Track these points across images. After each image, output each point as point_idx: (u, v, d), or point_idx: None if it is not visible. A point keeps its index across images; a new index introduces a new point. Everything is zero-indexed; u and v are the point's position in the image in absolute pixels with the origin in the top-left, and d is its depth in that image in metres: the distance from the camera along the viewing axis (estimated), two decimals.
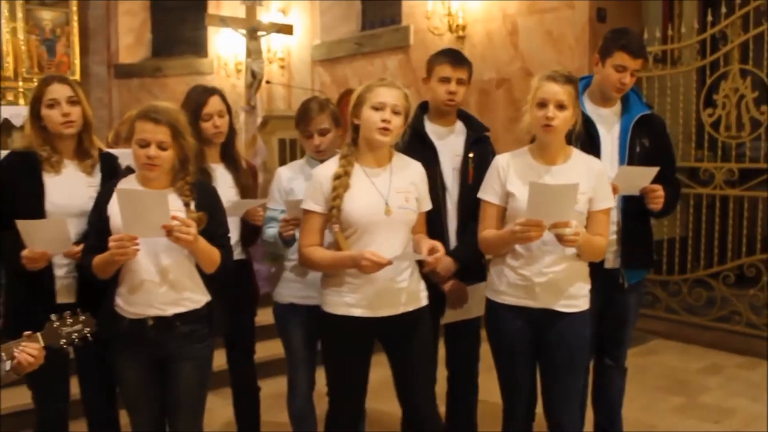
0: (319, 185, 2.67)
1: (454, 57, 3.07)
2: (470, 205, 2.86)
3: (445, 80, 3.02)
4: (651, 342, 5.56)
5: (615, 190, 2.88)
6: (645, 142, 3.06)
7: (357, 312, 2.64)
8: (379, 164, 2.69)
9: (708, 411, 4.23)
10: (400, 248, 2.63)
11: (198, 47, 10.35)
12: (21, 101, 9.23)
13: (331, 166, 2.69)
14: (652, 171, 2.94)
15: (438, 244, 2.59)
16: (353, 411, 2.86)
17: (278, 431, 3.66)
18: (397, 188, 2.65)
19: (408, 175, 2.70)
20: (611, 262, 3.05)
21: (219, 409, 3.82)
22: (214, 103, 3.05)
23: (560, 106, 2.58)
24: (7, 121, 8.74)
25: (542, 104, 2.60)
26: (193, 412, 2.69)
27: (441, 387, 3.14)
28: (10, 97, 9.19)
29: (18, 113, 8.80)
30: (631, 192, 2.96)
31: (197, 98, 3.07)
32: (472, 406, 3.28)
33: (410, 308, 2.69)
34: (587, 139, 2.94)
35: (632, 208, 3.02)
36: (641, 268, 3.23)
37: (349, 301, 2.65)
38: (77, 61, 9.84)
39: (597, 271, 2.83)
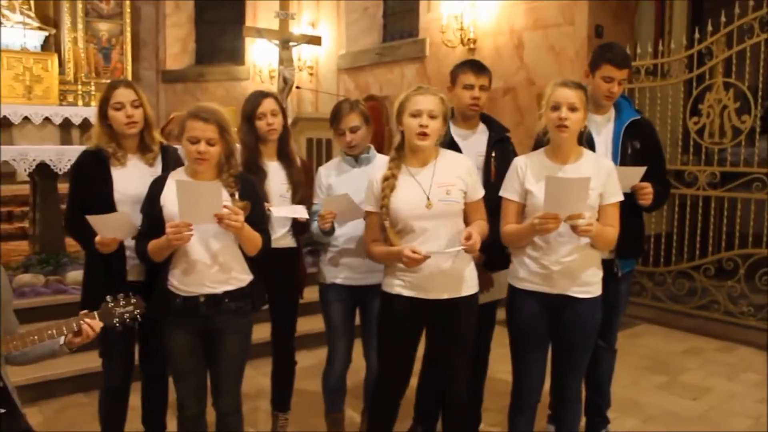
0: (371, 188, 2.71)
1: (476, 66, 3.07)
2: (494, 200, 2.86)
3: (469, 87, 3.02)
4: (637, 327, 5.54)
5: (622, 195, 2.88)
6: (636, 144, 3.06)
7: (406, 293, 2.67)
8: (422, 164, 2.69)
9: (688, 389, 4.22)
10: (447, 238, 2.63)
11: (236, 56, 10.39)
12: (80, 102, 9.34)
13: (383, 170, 2.71)
14: (640, 170, 2.95)
15: (473, 231, 2.56)
16: (399, 383, 2.84)
17: (306, 399, 3.71)
18: (439, 183, 2.65)
19: (452, 169, 2.68)
20: (607, 253, 3.05)
21: (254, 377, 3.86)
22: (267, 104, 3.08)
23: (572, 109, 2.59)
24: (67, 120, 8.87)
25: (556, 107, 2.60)
26: (234, 380, 2.72)
27: None
28: (70, 98, 9.30)
29: (76, 113, 8.96)
30: (623, 190, 2.96)
31: (254, 101, 3.09)
32: (480, 380, 3.28)
33: (456, 294, 2.68)
34: (585, 144, 2.94)
35: (624, 204, 3.01)
36: (632, 257, 3.23)
37: (400, 283, 2.68)
38: (129, 67, 9.93)
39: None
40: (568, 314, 2.69)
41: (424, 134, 2.59)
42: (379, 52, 8.45)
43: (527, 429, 2.88)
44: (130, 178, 2.80)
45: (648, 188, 2.98)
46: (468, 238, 2.54)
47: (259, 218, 2.66)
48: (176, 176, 2.62)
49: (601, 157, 2.79)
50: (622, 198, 2.74)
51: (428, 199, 2.63)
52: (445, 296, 2.67)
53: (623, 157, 3.05)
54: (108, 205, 2.74)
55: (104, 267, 2.77)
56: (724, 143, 5.37)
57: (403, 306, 2.69)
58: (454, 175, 2.68)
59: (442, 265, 2.62)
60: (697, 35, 5.48)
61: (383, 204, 2.65)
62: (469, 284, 2.72)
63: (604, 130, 3.10)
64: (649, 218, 5.75)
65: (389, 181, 2.66)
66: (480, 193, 2.76)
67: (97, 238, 2.66)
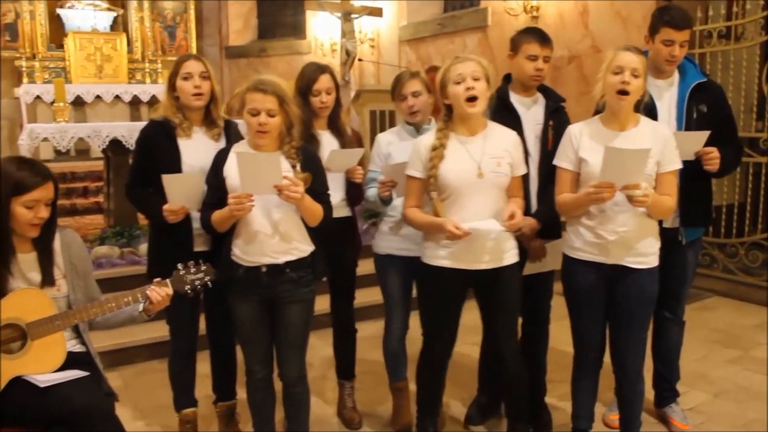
0: (419, 154, 2.71)
1: (542, 36, 3.00)
2: (549, 169, 2.83)
3: (533, 58, 2.95)
4: (708, 299, 5.38)
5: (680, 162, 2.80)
6: (702, 108, 2.95)
7: (447, 263, 2.68)
8: (472, 132, 2.68)
9: (760, 363, 4.08)
10: (492, 209, 2.63)
11: (297, 30, 10.44)
12: (147, 80, 9.58)
13: (430, 138, 2.71)
14: (703, 135, 2.85)
15: (516, 210, 2.57)
16: (442, 351, 2.89)
17: (371, 369, 3.77)
18: (490, 154, 2.64)
19: (501, 142, 2.68)
20: (670, 221, 2.98)
21: (319, 347, 3.94)
22: (323, 81, 3.07)
23: (635, 74, 2.53)
24: (136, 97, 9.14)
25: (618, 71, 2.54)
26: (298, 347, 2.76)
27: None
28: (138, 76, 9.55)
29: (145, 90, 9.22)
30: (687, 156, 2.86)
31: (310, 74, 3.09)
32: (542, 351, 3.27)
33: (496, 265, 2.68)
34: (645, 109, 2.86)
35: (690, 170, 2.92)
36: (699, 226, 3.14)
37: (442, 254, 2.69)
38: (194, 44, 10.11)
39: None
40: (623, 285, 2.65)
41: (474, 98, 2.57)
42: (441, 23, 8.35)
43: (590, 394, 2.87)
44: (196, 150, 2.84)
45: (714, 153, 2.87)
46: (512, 217, 2.54)
47: (320, 189, 2.68)
48: (238, 148, 2.65)
49: (659, 124, 2.70)
50: (680, 166, 2.67)
51: (480, 169, 2.62)
52: (486, 267, 2.68)
53: (688, 121, 2.95)
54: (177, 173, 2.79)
55: (171, 237, 2.83)
56: None
57: (445, 277, 2.71)
58: (503, 147, 2.67)
59: (485, 236, 2.62)
60: None
61: (431, 174, 2.65)
62: (510, 253, 2.72)
63: (667, 94, 2.99)
64: (720, 188, 5.56)
65: (438, 151, 2.65)
66: (522, 169, 2.76)
67: (166, 206, 2.71)
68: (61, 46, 9.10)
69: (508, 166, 2.66)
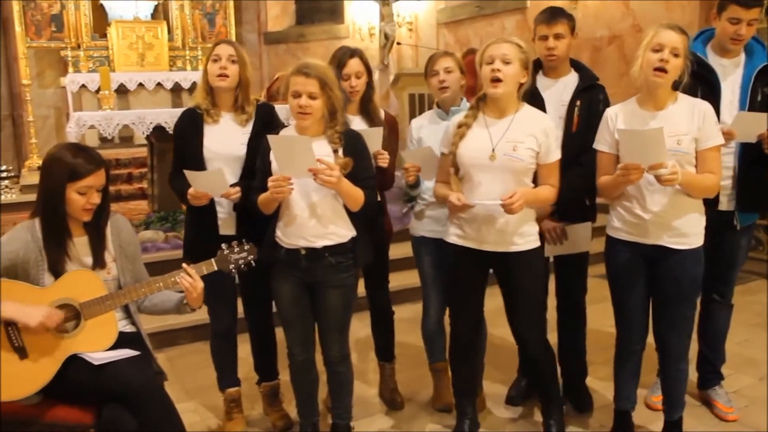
0: (448, 132, 2.78)
1: (549, 14, 2.97)
2: (573, 150, 2.81)
3: (543, 38, 2.95)
4: (752, 282, 5.29)
5: (731, 135, 2.76)
6: (766, 90, 2.88)
7: (466, 243, 2.73)
8: (500, 115, 2.69)
9: None
10: (503, 193, 2.62)
11: (335, 15, 10.45)
12: (188, 67, 9.70)
13: (461, 116, 2.76)
14: (765, 116, 2.77)
15: (518, 192, 2.56)
16: (464, 331, 2.91)
17: (411, 351, 3.81)
18: (509, 138, 2.64)
19: (528, 127, 2.66)
20: (725, 204, 2.94)
21: (358, 329, 3.99)
22: (352, 65, 3.08)
23: (674, 53, 2.49)
24: (177, 84, 9.27)
25: (658, 49, 2.50)
26: (339, 330, 2.80)
27: (552, 315, 3.17)
28: (179, 64, 9.66)
29: (186, 77, 9.34)
30: (749, 139, 2.81)
31: (340, 57, 3.10)
32: (580, 333, 3.26)
33: (516, 248, 2.69)
34: (708, 88, 2.81)
35: (750, 153, 2.87)
36: (756, 211, 3.08)
37: (455, 232, 2.77)
38: (233, 31, 10.16)
39: (711, 212, 2.73)
40: (664, 266, 2.63)
41: (497, 80, 2.57)
42: (479, 5, 8.27)
43: (632, 375, 2.86)
44: (220, 136, 2.90)
45: None
46: (510, 197, 2.54)
47: (363, 174, 2.69)
48: (286, 133, 2.70)
49: (698, 100, 2.64)
50: (721, 141, 2.61)
51: (493, 151, 2.63)
52: (498, 249, 2.69)
53: (752, 103, 2.88)
54: (198, 161, 2.87)
55: (199, 221, 2.93)
56: None
57: (458, 255, 2.76)
58: (527, 132, 2.65)
59: (494, 218, 2.64)
60: None
61: (451, 150, 2.71)
62: (527, 239, 2.71)
63: (732, 75, 2.93)
64: None
65: (461, 129, 2.70)
66: (554, 156, 2.71)
67: (190, 191, 2.79)
68: (104, 36, 9.25)
69: (529, 151, 2.64)
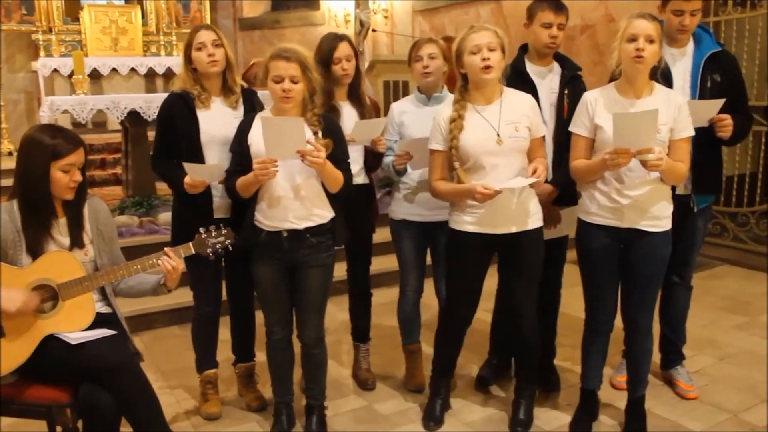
0: (439, 127, 2.80)
1: (556, 4, 3.04)
2: (564, 137, 2.89)
3: (548, 25, 3.00)
4: (718, 268, 5.44)
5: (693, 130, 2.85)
6: (716, 77, 2.99)
7: (477, 228, 2.78)
8: (488, 101, 2.75)
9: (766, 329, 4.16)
10: (515, 173, 2.71)
11: (311, 1, 10.41)
12: (162, 52, 9.63)
13: (447, 110, 2.79)
14: (718, 103, 2.89)
15: (539, 166, 2.66)
16: (465, 315, 2.99)
17: (385, 333, 3.88)
18: (507, 120, 2.71)
19: (518, 107, 2.74)
20: (682, 188, 3.05)
21: (334, 313, 4.05)
22: (343, 48, 3.13)
23: (650, 41, 2.58)
24: (152, 69, 9.21)
25: (633, 39, 2.58)
26: (317, 311, 2.86)
27: None
28: (153, 49, 9.59)
29: (160, 63, 9.27)
30: (700, 124, 2.91)
31: (329, 44, 3.14)
32: (553, 315, 3.37)
33: (524, 227, 2.77)
34: (660, 77, 2.91)
35: (702, 138, 2.97)
36: (710, 193, 3.19)
37: (468, 220, 2.79)
38: (208, 16, 10.09)
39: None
40: (637, 248, 2.73)
41: (488, 67, 2.64)
42: None
43: (600, 356, 2.95)
44: (215, 120, 2.93)
45: (727, 120, 2.91)
46: (535, 171, 2.63)
47: (341, 156, 2.75)
48: (263, 116, 2.73)
49: (672, 92, 2.75)
50: (692, 133, 2.72)
51: (498, 135, 2.69)
52: (513, 230, 2.76)
53: (702, 90, 2.99)
54: (195, 146, 2.90)
55: (193, 206, 2.94)
56: None
57: (472, 241, 2.80)
58: (520, 112, 2.74)
59: (509, 200, 2.71)
60: None
61: (452, 145, 2.74)
62: (534, 218, 2.80)
63: (682, 63, 3.04)
64: (732, 157, 5.59)
65: (457, 122, 2.73)
66: (542, 131, 2.82)
67: (187, 179, 2.82)
68: (76, 20, 9.14)
69: (526, 129, 2.73)
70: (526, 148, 2.76)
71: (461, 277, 2.92)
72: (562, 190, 3.07)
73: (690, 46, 3.07)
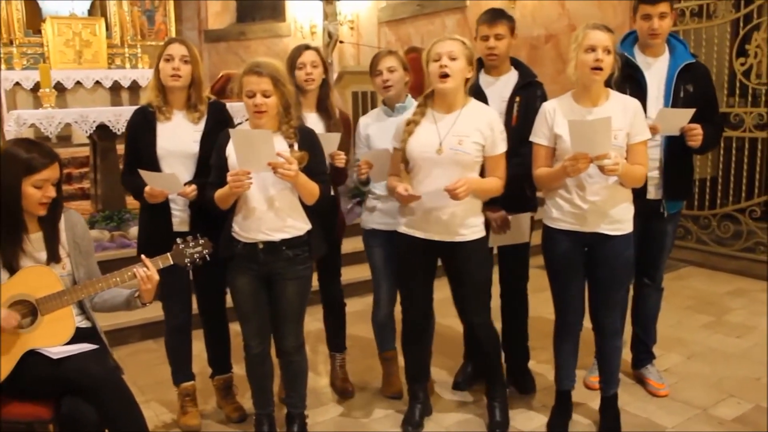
0: (399, 128, 2.89)
1: (491, 15, 3.12)
2: (512, 143, 2.93)
3: (484, 38, 3.09)
4: (683, 269, 5.60)
5: (655, 130, 2.94)
6: (689, 87, 3.09)
7: (416, 233, 2.87)
8: (448, 110, 2.81)
9: (732, 327, 4.29)
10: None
11: (277, 13, 10.45)
12: (127, 65, 9.55)
13: (411, 113, 2.88)
14: (689, 112, 2.99)
15: (461, 180, 2.67)
16: (418, 315, 3.05)
17: (360, 342, 3.91)
18: (456, 132, 2.77)
19: (474, 121, 2.79)
20: (653, 193, 3.14)
21: (308, 323, 4.04)
22: (308, 55, 3.17)
23: (606, 51, 2.66)
24: (117, 82, 9.13)
25: (591, 50, 2.66)
26: (295, 321, 2.87)
27: (495, 303, 3.31)
28: (118, 61, 9.51)
29: (125, 75, 9.20)
30: (672, 132, 3.02)
31: (295, 51, 3.20)
32: (522, 319, 3.44)
33: (462, 238, 2.83)
34: (635, 85, 3.01)
35: (674, 146, 3.09)
36: (680, 199, 3.30)
37: (407, 223, 2.89)
38: (173, 28, 10.07)
39: (640, 200, 2.92)
40: (600, 251, 2.81)
41: (446, 75, 2.70)
42: (420, 4, 8.43)
43: (571, 356, 3.03)
44: (173, 134, 2.95)
45: (697, 129, 3.02)
46: (455, 183, 2.65)
47: (317, 168, 2.77)
48: (236, 128, 2.76)
49: (627, 98, 2.84)
50: (649, 136, 2.82)
51: (440, 145, 2.76)
52: (445, 239, 2.83)
53: (675, 99, 3.09)
54: (152, 159, 2.91)
55: (154, 218, 2.98)
56: None
57: (406, 243, 2.91)
58: (473, 126, 2.78)
59: (441, 209, 2.77)
60: None
61: (402, 146, 2.84)
62: (472, 229, 2.85)
63: (657, 71, 3.12)
64: (694, 162, 5.73)
65: (410, 126, 2.83)
66: (500, 149, 2.83)
67: (147, 188, 2.85)
68: (38, 32, 9.04)
69: (474, 145, 2.77)
70: (470, 164, 2.79)
71: (407, 280, 3.02)
72: (515, 195, 3.09)
73: (665, 56, 3.16)
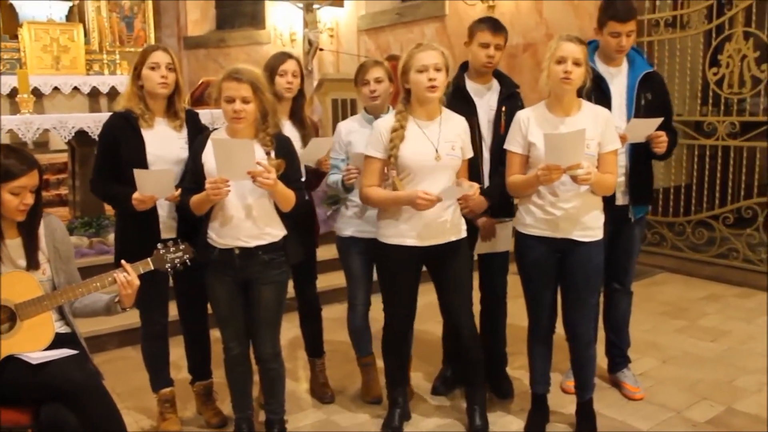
0: (379, 135, 2.87)
1: (494, 25, 3.16)
2: (501, 152, 3.01)
3: (485, 45, 3.12)
4: (658, 275, 5.68)
5: (624, 139, 3.02)
6: (648, 95, 3.19)
7: (408, 242, 2.87)
8: (429, 117, 2.87)
9: (706, 332, 4.37)
10: (444, 188, 2.79)
11: (256, 20, 10.46)
12: (105, 71, 9.52)
13: (389, 120, 2.89)
14: (657, 121, 3.08)
15: (474, 184, 2.80)
16: (404, 323, 3.09)
17: (338, 348, 3.93)
18: (446, 138, 2.84)
19: (454, 127, 2.89)
20: (620, 199, 3.22)
21: (286, 329, 4.05)
22: (291, 64, 3.20)
23: (576, 63, 2.72)
24: (95, 88, 9.09)
25: (561, 61, 2.73)
26: (272, 326, 2.89)
27: (475, 308, 3.35)
28: (96, 68, 9.48)
29: (104, 82, 9.17)
30: (638, 140, 3.11)
31: (277, 59, 3.22)
32: (501, 324, 3.48)
33: (452, 238, 2.90)
34: (600, 94, 3.08)
35: (637, 153, 3.18)
36: (645, 203, 3.39)
37: (402, 232, 2.87)
38: (152, 35, 10.07)
39: (609, 207, 2.99)
40: (572, 256, 2.87)
41: (434, 87, 2.76)
42: (399, 12, 8.50)
43: (545, 359, 3.08)
44: (161, 141, 2.94)
45: (663, 137, 3.12)
46: (471, 185, 2.75)
47: (293, 176, 2.81)
48: (216, 135, 2.77)
49: (599, 108, 2.91)
50: (619, 146, 2.90)
51: (437, 152, 2.81)
52: (440, 242, 2.88)
53: (637, 107, 3.18)
54: (141, 165, 2.87)
55: (138, 225, 2.93)
56: (743, 93, 5.43)
57: (405, 255, 2.90)
58: (455, 133, 2.89)
59: (437, 213, 2.82)
60: None
61: (392, 154, 2.83)
62: (460, 229, 2.95)
63: (618, 81, 3.21)
64: (668, 169, 5.87)
65: (398, 132, 2.83)
66: (470, 153, 2.96)
67: (136, 195, 2.80)
68: (15, 37, 8.98)
69: (460, 150, 2.88)
70: (458, 167, 2.90)
71: (396, 292, 3.02)
72: (500, 202, 3.18)
73: (624, 66, 3.25)
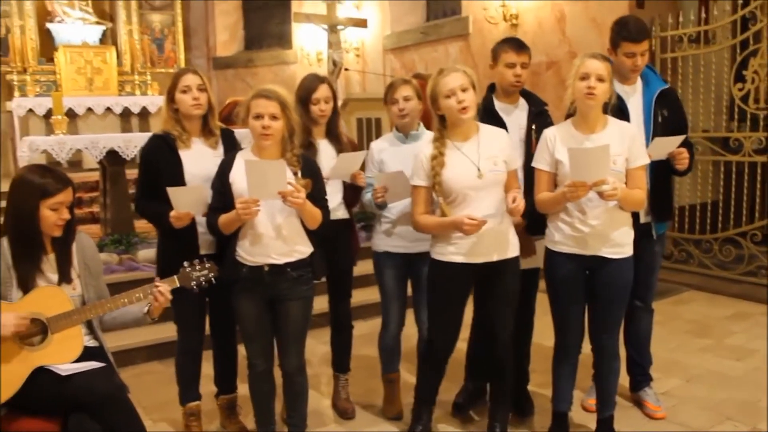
0: (421, 164, 2.91)
1: (517, 44, 3.21)
2: (533, 170, 3.02)
3: (511, 65, 3.16)
4: (684, 293, 5.63)
5: (648, 157, 3.03)
6: (664, 112, 3.21)
7: (458, 259, 2.89)
8: (466, 137, 2.89)
9: (732, 350, 4.32)
10: (494, 204, 2.84)
11: (283, 40, 10.64)
12: (137, 92, 9.74)
13: (429, 148, 2.91)
14: (679, 139, 3.11)
15: (516, 194, 2.80)
16: (447, 345, 3.09)
17: (364, 363, 3.97)
18: (486, 155, 2.85)
19: (494, 141, 2.90)
20: (644, 216, 3.23)
21: (314, 345, 4.12)
22: (322, 90, 3.27)
23: (600, 79, 2.75)
24: (127, 109, 9.31)
25: (585, 77, 2.76)
26: (298, 341, 2.95)
27: None
28: (128, 88, 9.70)
29: (135, 102, 9.38)
30: (661, 157, 3.13)
31: (309, 84, 3.29)
32: (527, 342, 3.49)
33: (502, 257, 2.90)
34: (618, 113, 3.10)
35: (659, 170, 3.19)
36: (666, 220, 3.41)
37: (452, 250, 2.90)
38: (182, 56, 10.28)
39: (633, 224, 2.98)
40: (601, 273, 2.88)
41: (465, 108, 2.79)
42: (424, 31, 8.58)
43: (569, 378, 3.08)
44: (197, 160, 3.04)
45: (685, 153, 3.13)
46: (514, 200, 2.76)
47: (319, 194, 2.88)
48: (244, 155, 2.85)
49: (625, 124, 2.93)
50: (647, 161, 2.91)
51: (479, 170, 2.83)
52: (495, 258, 2.89)
53: (654, 124, 3.19)
54: (179, 185, 2.95)
55: (178, 242, 3.02)
56: None
57: (456, 271, 2.91)
58: (497, 147, 2.89)
59: (491, 229, 2.83)
60: (740, 0, 5.48)
61: (435, 181, 2.86)
62: (513, 246, 2.94)
63: (633, 99, 3.24)
64: (695, 186, 5.84)
65: (438, 159, 2.86)
66: (516, 163, 2.97)
67: (173, 213, 2.89)
68: (51, 60, 9.25)
69: (503, 163, 2.88)
70: (504, 181, 2.90)
71: (445, 308, 3.02)
72: (538, 220, 3.18)
73: (639, 84, 3.28)
